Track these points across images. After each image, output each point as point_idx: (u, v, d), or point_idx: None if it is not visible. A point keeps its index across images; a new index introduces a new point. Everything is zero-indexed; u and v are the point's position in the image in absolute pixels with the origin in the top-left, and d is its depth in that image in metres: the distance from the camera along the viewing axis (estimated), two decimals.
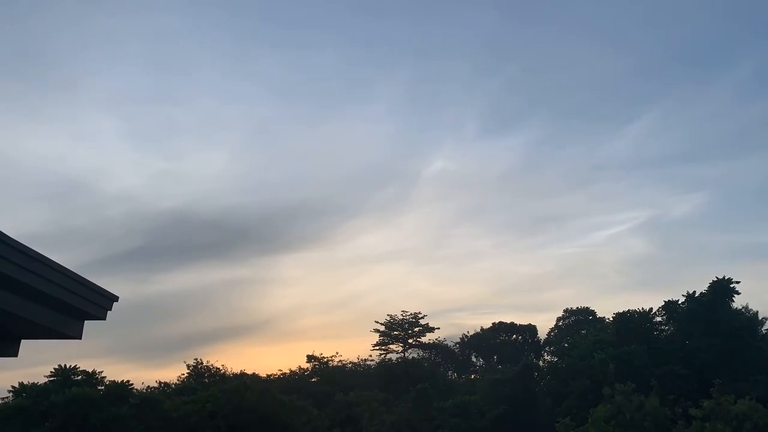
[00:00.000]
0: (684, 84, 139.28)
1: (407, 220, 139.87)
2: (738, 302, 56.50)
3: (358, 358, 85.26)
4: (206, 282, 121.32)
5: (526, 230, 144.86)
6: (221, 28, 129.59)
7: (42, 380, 46.27)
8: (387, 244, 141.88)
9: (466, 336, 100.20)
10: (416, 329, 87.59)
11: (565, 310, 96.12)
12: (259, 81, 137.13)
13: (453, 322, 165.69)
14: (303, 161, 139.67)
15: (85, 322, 6.64)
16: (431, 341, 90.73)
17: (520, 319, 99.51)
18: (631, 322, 57.37)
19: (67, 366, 47.89)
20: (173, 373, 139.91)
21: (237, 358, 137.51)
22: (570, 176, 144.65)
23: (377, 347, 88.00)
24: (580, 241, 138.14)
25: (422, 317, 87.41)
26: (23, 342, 6.64)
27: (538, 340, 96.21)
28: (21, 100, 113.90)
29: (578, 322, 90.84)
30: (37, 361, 52.55)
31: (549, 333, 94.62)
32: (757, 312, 60.07)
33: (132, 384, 47.56)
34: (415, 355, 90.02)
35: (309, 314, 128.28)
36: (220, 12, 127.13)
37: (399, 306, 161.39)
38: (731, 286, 54.72)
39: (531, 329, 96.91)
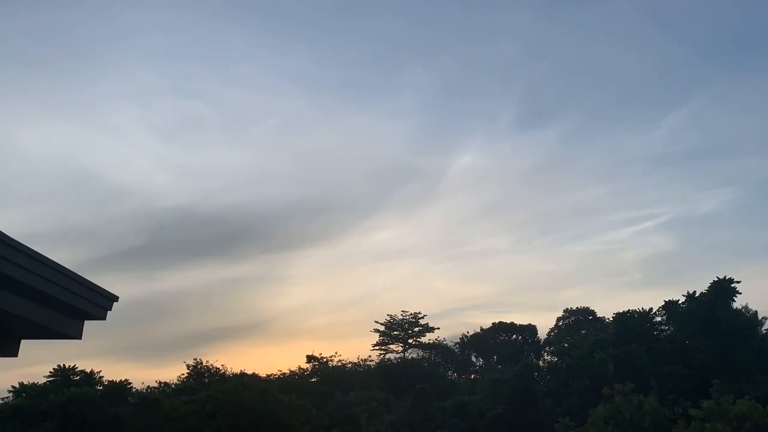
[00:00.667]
0: (718, 80, 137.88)
1: (427, 217, 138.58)
2: (739, 302, 56.67)
3: (358, 358, 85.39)
4: (210, 280, 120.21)
5: (549, 227, 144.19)
6: (241, 19, 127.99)
7: (42, 380, 46.32)
8: (403, 242, 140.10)
9: (466, 336, 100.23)
10: (416, 329, 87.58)
11: (565, 310, 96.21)
12: (285, 75, 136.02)
13: (466, 320, 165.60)
14: (321, 157, 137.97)
15: (85, 322, 6.63)
16: (431, 341, 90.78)
17: (537, 318, 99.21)
18: (631, 322, 57.32)
19: (67, 366, 47.93)
20: (174, 372, 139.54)
21: (239, 358, 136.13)
22: (598, 171, 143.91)
23: (377, 347, 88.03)
24: (604, 238, 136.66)
25: (422, 317, 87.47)
26: (23, 342, 6.62)
27: (538, 340, 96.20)
28: (29, 90, 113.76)
29: (578, 322, 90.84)
30: (37, 361, 52.56)
31: (549, 333, 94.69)
32: (757, 312, 60.07)
33: (131, 384, 47.64)
34: (415, 355, 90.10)
35: (316, 313, 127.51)
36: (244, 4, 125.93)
37: (411, 304, 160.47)
38: (732, 286, 54.77)
39: (531, 329, 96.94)
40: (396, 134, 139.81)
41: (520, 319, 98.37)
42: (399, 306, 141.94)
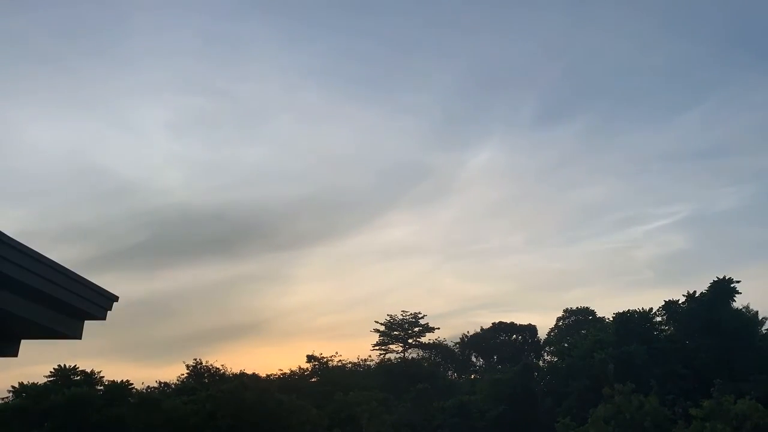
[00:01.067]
0: (734, 78, 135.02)
1: (439, 215, 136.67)
2: (742, 302, 56.80)
3: (358, 358, 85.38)
4: (212, 279, 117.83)
5: (562, 225, 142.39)
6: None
7: (42, 380, 46.32)
8: (413, 241, 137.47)
9: (466, 336, 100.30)
10: (416, 329, 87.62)
11: (565, 310, 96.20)
12: (297, 71, 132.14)
13: (475, 319, 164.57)
14: (332, 154, 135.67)
15: (85, 322, 6.63)
16: (431, 341, 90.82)
17: (547, 318, 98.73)
18: (631, 322, 57.34)
19: (67, 366, 47.93)
20: (174, 372, 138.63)
21: (239, 358, 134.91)
22: (613, 169, 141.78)
23: (377, 347, 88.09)
24: (618, 236, 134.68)
25: (422, 317, 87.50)
26: (23, 342, 6.62)
27: (538, 340, 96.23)
28: (40, 86, 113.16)
29: (578, 322, 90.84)
30: (37, 361, 52.50)
31: (549, 333, 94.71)
32: (757, 312, 60.14)
33: (132, 384, 47.67)
34: (415, 355, 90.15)
35: (320, 313, 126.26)
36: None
37: (419, 304, 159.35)
38: (732, 286, 54.81)
39: (531, 329, 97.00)
40: (410, 132, 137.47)
41: (530, 319, 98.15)
42: (407, 305, 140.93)
